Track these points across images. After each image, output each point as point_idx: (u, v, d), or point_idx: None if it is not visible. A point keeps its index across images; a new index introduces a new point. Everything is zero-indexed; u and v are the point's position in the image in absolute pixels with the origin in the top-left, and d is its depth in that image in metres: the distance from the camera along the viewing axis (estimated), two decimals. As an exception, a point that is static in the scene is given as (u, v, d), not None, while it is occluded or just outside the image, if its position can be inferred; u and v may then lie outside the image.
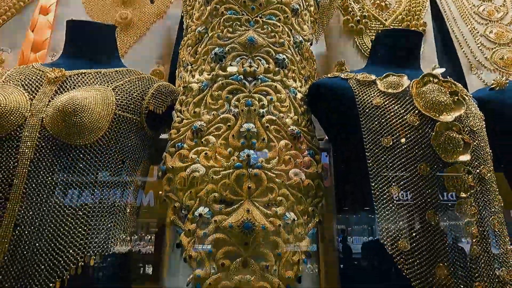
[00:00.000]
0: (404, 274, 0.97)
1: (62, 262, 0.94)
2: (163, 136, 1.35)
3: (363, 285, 1.25)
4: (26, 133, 1.02)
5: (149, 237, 1.51)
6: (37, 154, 1.00)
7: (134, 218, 1.17)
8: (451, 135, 1.07)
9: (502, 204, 1.14)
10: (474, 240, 1.00)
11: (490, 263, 1.01)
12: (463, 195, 1.03)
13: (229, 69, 1.17)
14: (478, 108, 1.24)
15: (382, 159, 1.08)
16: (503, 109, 1.34)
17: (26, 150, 1.00)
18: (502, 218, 1.10)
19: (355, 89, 1.18)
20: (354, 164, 1.26)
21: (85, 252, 0.98)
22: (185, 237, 1.03)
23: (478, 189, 1.06)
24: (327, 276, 1.23)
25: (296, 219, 1.06)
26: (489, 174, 1.11)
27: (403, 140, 1.07)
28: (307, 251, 1.06)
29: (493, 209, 1.07)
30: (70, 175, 1.01)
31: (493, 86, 1.40)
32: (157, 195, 1.24)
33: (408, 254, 0.99)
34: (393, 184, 1.05)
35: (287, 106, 1.20)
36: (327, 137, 1.47)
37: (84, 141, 1.04)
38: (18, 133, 1.02)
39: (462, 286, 0.96)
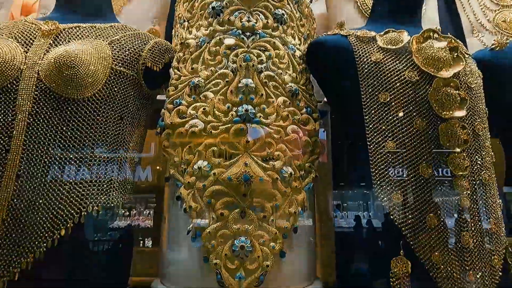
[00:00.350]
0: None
1: (65, 211, 0.97)
2: (161, 97, 1.34)
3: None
4: (22, 86, 1.01)
5: (148, 211, 1.54)
6: (35, 107, 1.00)
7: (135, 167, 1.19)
8: (449, 91, 1.08)
9: (494, 160, 1.16)
10: (464, 193, 1.03)
11: (479, 215, 1.05)
12: (457, 149, 1.05)
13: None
14: (476, 67, 1.24)
15: (379, 114, 1.09)
16: (502, 70, 1.34)
17: (24, 103, 1.00)
18: (492, 173, 1.13)
19: (354, 46, 1.17)
20: (352, 124, 1.27)
21: (87, 202, 1.00)
22: (185, 189, 1.06)
23: (472, 144, 1.09)
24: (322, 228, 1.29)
25: (293, 173, 1.08)
26: (483, 131, 1.13)
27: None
28: (303, 203, 1.09)
29: (484, 164, 1.10)
30: (70, 128, 1.02)
31: (493, 46, 1.39)
32: (155, 170, 1.25)
33: (401, 205, 1.03)
34: (389, 139, 1.07)
35: (286, 63, 1.19)
36: (325, 99, 1.47)
37: (82, 95, 1.04)
38: (14, 86, 1.01)
39: (450, 235, 1.01)
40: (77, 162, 1.02)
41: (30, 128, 0.99)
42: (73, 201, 0.98)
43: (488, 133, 1.17)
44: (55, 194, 0.97)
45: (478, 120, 1.13)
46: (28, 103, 1.00)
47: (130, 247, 1.31)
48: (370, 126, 1.10)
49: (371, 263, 1.20)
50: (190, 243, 1.02)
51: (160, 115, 1.18)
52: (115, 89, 1.11)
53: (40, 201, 0.96)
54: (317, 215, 1.33)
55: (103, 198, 1.03)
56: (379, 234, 1.24)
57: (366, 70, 1.13)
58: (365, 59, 1.14)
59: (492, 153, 1.17)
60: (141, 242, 1.56)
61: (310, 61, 1.29)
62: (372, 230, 1.31)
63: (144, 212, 1.58)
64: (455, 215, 1.02)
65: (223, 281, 0.95)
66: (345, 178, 1.42)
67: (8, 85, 1.01)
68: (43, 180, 0.97)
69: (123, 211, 1.47)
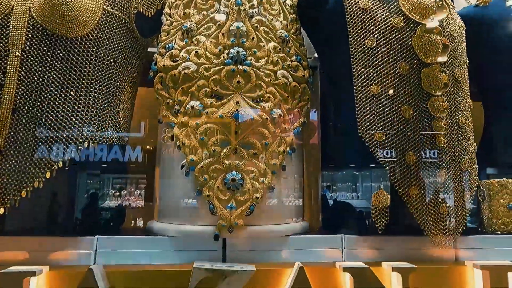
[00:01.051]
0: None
1: (62, 144, 1.00)
2: (152, 49, 1.36)
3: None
4: (14, 22, 1.01)
5: (139, 192, 1.56)
6: (28, 43, 1.01)
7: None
8: (432, 37, 1.12)
9: (472, 107, 1.23)
10: (442, 133, 1.10)
11: (454, 154, 1.13)
12: (437, 93, 1.11)
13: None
14: (460, 19, 1.28)
15: (365, 59, 1.13)
16: (485, 24, 1.39)
17: (16, 39, 1.01)
18: (469, 118, 1.21)
19: (344, -7, 1.20)
20: (340, 76, 1.30)
21: (83, 138, 1.04)
22: (178, 129, 1.10)
23: (451, 89, 1.15)
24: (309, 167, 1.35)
25: (282, 115, 1.13)
26: (462, 77, 1.19)
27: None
28: (292, 144, 1.15)
29: (462, 109, 1.17)
30: (64, 66, 1.03)
31: (478, 2, 1.44)
32: (145, 150, 1.27)
33: (383, 143, 1.09)
34: (374, 82, 1.12)
35: (277, 9, 1.21)
36: (315, 55, 1.50)
37: (75, 33, 1.05)
38: (6, 22, 1.02)
39: (427, 171, 1.09)
40: (73, 99, 1.04)
41: (24, 64, 1.00)
42: (70, 135, 1.02)
43: (467, 81, 1.24)
44: (51, 128, 1.00)
45: (458, 67, 1.18)
46: (21, 39, 1.01)
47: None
48: (356, 70, 1.14)
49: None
50: (183, 179, 1.07)
51: (153, 59, 1.20)
52: (107, 31, 1.12)
53: (37, 134, 0.98)
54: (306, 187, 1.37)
55: (98, 135, 1.07)
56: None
57: (354, 17, 1.16)
58: (353, 6, 1.17)
59: (470, 101, 1.24)
60: (132, 221, 1.60)
61: (300, 12, 1.31)
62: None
63: (135, 192, 1.61)
64: (433, 153, 1.10)
65: (215, 210, 1.01)
66: (334, 152, 1.44)
67: (0, 20, 1.01)
68: (40, 114, 1.00)
69: (114, 192, 1.50)
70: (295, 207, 1.19)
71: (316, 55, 1.52)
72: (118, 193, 1.51)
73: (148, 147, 1.29)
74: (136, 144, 1.17)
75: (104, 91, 1.12)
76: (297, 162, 1.22)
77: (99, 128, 1.08)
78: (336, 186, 1.56)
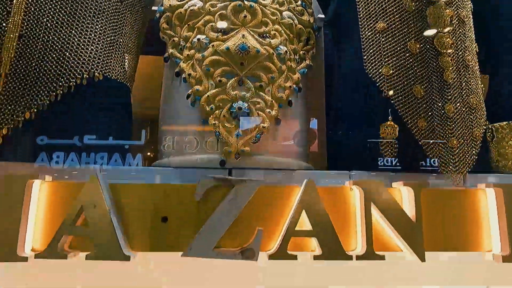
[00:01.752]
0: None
1: (67, 70, 1.00)
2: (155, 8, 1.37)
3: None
4: (23, -47, 1.02)
5: None
6: (36, -27, 1.02)
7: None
8: (436, -25, 1.13)
9: (477, 50, 1.23)
10: (450, 68, 1.10)
11: (462, 90, 1.12)
12: (444, 30, 1.11)
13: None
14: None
15: (371, -2, 1.14)
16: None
17: (25, -32, 1.01)
18: (475, 58, 1.20)
19: None
20: (346, 30, 1.31)
21: (89, 67, 1.03)
22: (184, 63, 1.09)
23: (457, 29, 1.15)
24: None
25: (288, 53, 1.13)
26: (467, 19, 1.19)
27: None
28: (298, 83, 1.14)
29: (468, 48, 1.17)
30: (71, -3, 1.04)
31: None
32: (146, 157, 1.26)
33: (390, 77, 1.08)
34: (379, 19, 1.12)
35: (282, -45, 1.22)
36: (319, 15, 1.51)
37: (82, -34, 1.06)
38: (15, -48, 1.02)
39: (435, 104, 1.07)
40: (79, 29, 1.04)
41: (32, -8, 1.01)
42: (76, 63, 1.01)
43: (472, 26, 1.24)
44: (57, 55, 0.99)
45: (463, 8, 1.19)
46: (29, -31, 1.01)
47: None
48: (362, 9, 1.15)
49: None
50: (187, 112, 1.06)
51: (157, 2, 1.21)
52: (115, -30, 1.13)
53: (42, 61, 0.98)
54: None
55: (104, 66, 1.06)
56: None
57: (358, -41, 1.18)
58: (358, -51, 1.19)
59: (476, 44, 1.24)
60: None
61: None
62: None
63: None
64: (440, 87, 1.09)
65: (221, 137, 1.00)
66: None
67: (9, -49, 1.02)
68: (45, 41, 0.99)
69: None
70: (301, 147, 1.17)
71: (320, 15, 1.53)
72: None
73: (149, 153, 1.28)
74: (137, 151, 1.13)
75: (110, 28, 1.12)
76: (302, 104, 1.20)
77: (105, 62, 1.07)
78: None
